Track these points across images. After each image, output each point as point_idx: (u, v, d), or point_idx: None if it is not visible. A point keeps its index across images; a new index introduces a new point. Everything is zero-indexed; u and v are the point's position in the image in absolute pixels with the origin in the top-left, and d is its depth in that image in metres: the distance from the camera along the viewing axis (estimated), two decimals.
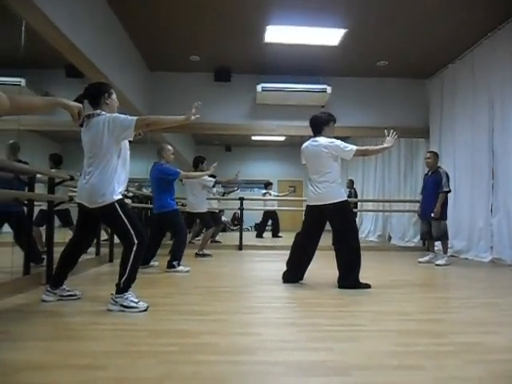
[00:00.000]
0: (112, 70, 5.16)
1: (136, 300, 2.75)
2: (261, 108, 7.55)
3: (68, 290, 3.07)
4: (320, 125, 3.92)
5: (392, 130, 3.83)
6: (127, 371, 1.72)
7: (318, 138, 3.88)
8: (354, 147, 3.78)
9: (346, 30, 5.71)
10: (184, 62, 6.93)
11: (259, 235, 10.33)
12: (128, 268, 2.75)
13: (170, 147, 4.92)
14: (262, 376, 1.70)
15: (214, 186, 6.05)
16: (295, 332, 2.33)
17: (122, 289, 2.74)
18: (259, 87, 7.07)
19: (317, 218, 3.90)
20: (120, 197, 2.84)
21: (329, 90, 7.14)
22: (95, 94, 2.90)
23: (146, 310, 2.72)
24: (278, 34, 5.87)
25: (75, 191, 4.28)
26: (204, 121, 7.35)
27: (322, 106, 7.46)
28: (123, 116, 2.78)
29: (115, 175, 2.81)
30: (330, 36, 5.92)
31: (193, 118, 2.87)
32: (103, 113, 2.82)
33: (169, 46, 6.38)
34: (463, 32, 5.77)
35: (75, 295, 3.07)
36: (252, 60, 6.92)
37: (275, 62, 6.90)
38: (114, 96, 2.98)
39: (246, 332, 2.32)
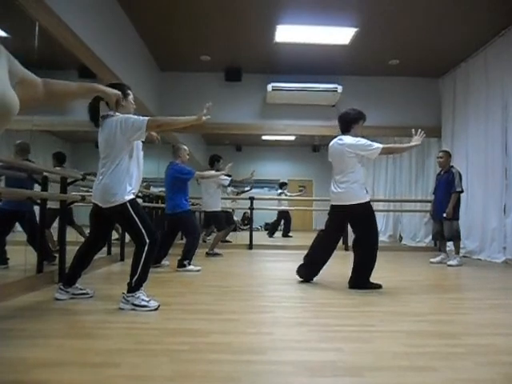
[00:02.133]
0: (123, 70, 5.20)
1: (147, 299, 2.78)
2: (271, 108, 7.55)
3: (80, 289, 3.11)
4: (349, 122, 3.81)
5: (420, 130, 3.77)
6: (140, 369, 1.74)
7: (343, 137, 3.79)
8: (380, 145, 3.68)
9: (357, 28, 5.68)
10: (195, 61, 6.97)
11: (271, 234, 10.34)
12: (140, 268, 2.78)
13: (185, 147, 4.95)
14: (272, 376, 1.70)
15: (229, 185, 6.07)
16: (306, 332, 2.34)
17: (134, 288, 2.77)
18: (269, 87, 7.07)
19: (338, 217, 3.86)
20: (132, 197, 2.86)
21: (340, 89, 7.11)
22: None
23: (157, 309, 2.74)
24: (288, 33, 5.86)
25: (85, 190, 4.34)
26: (214, 120, 7.33)
27: (333, 106, 7.45)
28: (135, 117, 2.81)
29: (127, 175, 2.84)
30: (340, 35, 5.90)
31: (204, 118, 2.88)
32: (117, 114, 2.85)
33: (179, 46, 6.41)
34: (476, 30, 5.70)
35: (87, 293, 3.11)
36: (262, 60, 6.93)
37: (286, 61, 6.89)
38: (130, 97, 2.99)
39: (257, 331, 2.33)
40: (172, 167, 4.82)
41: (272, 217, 13.67)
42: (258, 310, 2.87)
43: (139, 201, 4.98)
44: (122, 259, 5.31)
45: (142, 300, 2.76)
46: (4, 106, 1.12)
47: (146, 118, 2.80)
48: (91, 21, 4.41)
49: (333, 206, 3.87)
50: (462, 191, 5.46)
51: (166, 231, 4.95)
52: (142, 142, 2.98)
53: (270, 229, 10.66)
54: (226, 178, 5.95)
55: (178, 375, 1.68)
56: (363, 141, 3.72)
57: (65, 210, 3.70)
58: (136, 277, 2.78)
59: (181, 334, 2.24)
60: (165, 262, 4.87)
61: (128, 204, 2.81)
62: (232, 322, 2.50)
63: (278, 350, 2.01)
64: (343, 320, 2.60)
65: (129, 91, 3.00)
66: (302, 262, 3.96)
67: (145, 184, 7.29)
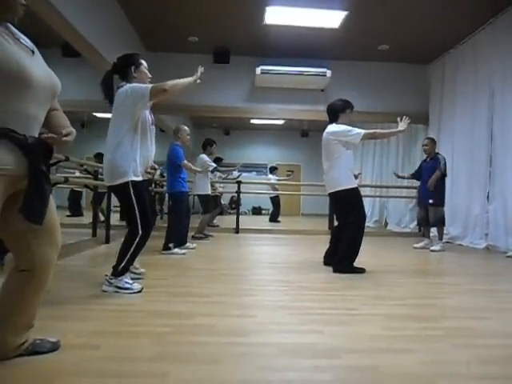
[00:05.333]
0: (108, 49, 5.08)
1: (130, 282, 2.77)
2: (260, 91, 7.48)
3: (136, 268, 3.18)
4: (336, 112, 3.90)
5: (405, 116, 3.82)
6: (121, 351, 1.75)
7: (329, 126, 3.91)
8: (362, 131, 3.75)
9: (347, 12, 5.62)
10: (182, 42, 6.85)
11: (275, 218, 10.42)
12: (127, 256, 2.76)
13: (186, 128, 4.91)
14: (254, 357, 1.72)
15: (212, 172, 6.05)
16: (288, 315, 2.36)
17: (118, 273, 2.75)
18: (258, 70, 7.00)
19: (332, 204, 4.04)
20: (137, 178, 2.73)
21: (329, 73, 7.07)
22: (122, 68, 2.83)
23: (140, 292, 2.74)
24: (277, 15, 5.78)
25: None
26: (202, 103, 7.35)
27: (322, 90, 7.43)
28: (140, 84, 2.70)
29: (132, 152, 2.70)
30: (330, 18, 5.83)
31: (198, 81, 2.82)
32: (123, 83, 2.75)
33: (166, 26, 6.29)
34: (465, 17, 5.68)
35: (140, 275, 3.18)
36: (251, 42, 6.83)
37: (275, 44, 6.81)
38: (143, 67, 2.87)
39: (241, 314, 2.35)
40: (171, 148, 4.82)
41: (259, 201, 13.75)
42: (243, 293, 2.89)
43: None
44: (108, 242, 5.28)
45: (126, 283, 2.75)
46: (56, 83, 1.57)
47: (150, 85, 2.68)
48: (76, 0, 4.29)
49: (328, 194, 4.00)
50: (445, 175, 5.52)
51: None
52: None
53: (272, 216, 10.65)
54: (212, 164, 5.99)
55: (159, 356, 1.69)
56: (344, 127, 3.80)
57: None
58: (123, 263, 2.76)
59: (164, 317, 2.25)
60: (190, 244, 5.03)
61: (130, 185, 2.69)
62: (216, 305, 2.52)
63: (261, 333, 2.04)
64: (325, 303, 2.64)
65: (141, 61, 2.88)
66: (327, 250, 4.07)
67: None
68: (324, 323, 2.20)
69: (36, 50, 1.54)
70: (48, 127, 1.60)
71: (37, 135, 1.50)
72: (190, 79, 2.78)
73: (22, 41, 1.49)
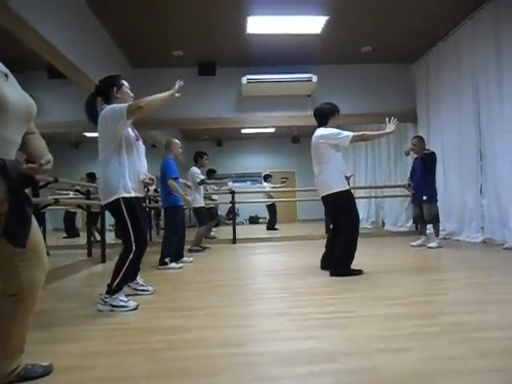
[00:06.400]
0: (93, 69, 5.10)
1: (125, 299, 2.75)
2: (247, 100, 7.52)
3: (142, 284, 3.19)
4: (325, 116, 3.93)
5: (393, 117, 3.84)
6: (115, 370, 1.72)
7: (317, 130, 3.94)
8: (350, 133, 3.77)
9: (328, 17, 5.68)
10: (167, 57, 6.89)
11: (272, 226, 10.39)
12: (122, 273, 2.75)
13: (177, 141, 4.94)
14: (250, 367, 1.71)
15: (200, 184, 6.03)
16: (285, 322, 2.34)
17: (113, 291, 2.74)
18: (244, 79, 7.03)
19: (325, 208, 4.07)
20: (128, 195, 2.74)
21: (314, 78, 7.11)
22: (104, 89, 2.86)
23: (135, 309, 2.72)
24: (259, 24, 5.83)
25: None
26: (190, 116, 7.37)
27: (309, 96, 7.47)
28: (117, 105, 2.73)
29: (120, 169, 2.74)
30: (311, 24, 5.89)
31: (177, 95, 2.82)
32: (104, 106, 2.79)
33: (150, 42, 6.33)
34: (446, 14, 5.75)
35: (148, 290, 3.19)
36: (236, 52, 6.88)
37: (259, 53, 6.86)
38: (125, 88, 2.89)
39: (237, 325, 2.33)
40: (164, 161, 4.81)
41: (255, 210, 13.74)
42: (239, 303, 2.87)
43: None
44: (104, 261, 5.25)
45: (121, 301, 2.73)
46: (31, 106, 1.57)
47: (127, 104, 2.71)
48: (58, 21, 4.31)
49: (321, 198, 3.99)
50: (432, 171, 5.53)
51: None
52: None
53: (269, 224, 10.62)
54: (200, 176, 5.99)
55: (153, 374, 1.67)
56: (332, 130, 3.82)
57: (38, 213, 3.62)
58: (117, 281, 2.75)
59: (159, 332, 2.23)
60: (187, 258, 5.01)
61: (122, 202, 2.71)
62: (212, 317, 2.50)
63: (255, 342, 2.02)
64: (322, 308, 2.62)
65: (122, 81, 2.90)
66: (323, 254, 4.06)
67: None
68: (321, 328, 2.19)
69: (10, 74, 1.54)
70: (25, 151, 1.59)
71: (13, 158, 1.49)
72: (166, 94, 2.79)
73: None
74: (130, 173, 2.80)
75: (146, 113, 2.75)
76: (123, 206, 2.72)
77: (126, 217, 2.73)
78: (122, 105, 2.71)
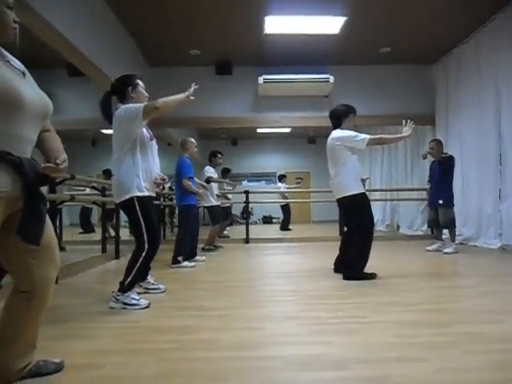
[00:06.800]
0: (112, 67, 5.14)
1: (137, 297, 2.77)
2: (264, 100, 7.50)
3: (153, 284, 3.21)
4: (339, 118, 3.90)
5: (409, 120, 3.79)
6: (124, 370, 1.73)
7: (333, 132, 3.90)
8: (367, 136, 3.72)
9: (346, 17, 5.62)
10: (184, 56, 6.90)
11: (285, 227, 10.36)
12: (134, 271, 2.77)
13: (193, 140, 4.95)
14: (258, 372, 1.69)
15: (208, 183, 6.04)
16: (296, 326, 2.32)
17: (125, 289, 2.75)
18: (261, 79, 7.01)
19: (340, 210, 4.02)
20: (142, 194, 2.77)
21: (332, 79, 7.05)
22: (120, 89, 2.88)
23: (147, 307, 2.73)
24: (277, 24, 5.80)
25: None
26: (207, 114, 7.38)
27: (326, 96, 7.41)
28: (133, 105, 2.75)
29: (134, 169, 2.76)
30: (329, 24, 5.83)
31: (191, 98, 2.82)
32: (119, 105, 2.82)
33: (168, 40, 6.35)
34: (467, 15, 5.63)
35: (159, 288, 3.21)
36: (253, 52, 6.86)
37: (276, 53, 6.83)
38: (140, 87, 2.90)
39: (248, 327, 2.32)
40: (179, 160, 4.83)
41: (269, 210, 13.73)
42: (250, 304, 2.85)
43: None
44: (117, 257, 5.29)
45: (133, 299, 2.74)
46: (48, 104, 1.58)
47: (143, 104, 2.73)
48: (76, 19, 4.35)
49: (336, 200, 3.96)
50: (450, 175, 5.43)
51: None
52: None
53: (282, 225, 10.60)
54: (207, 174, 6.04)
55: (162, 374, 1.67)
56: (349, 132, 3.77)
57: (54, 209, 3.67)
58: (129, 279, 2.76)
59: (170, 332, 2.23)
60: (199, 257, 5.03)
61: (135, 200, 2.74)
62: (223, 318, 2.49)
63: (266, 346, 2.00)
64: (334, 312, 2.59)
65: (138, 81, 2.91)
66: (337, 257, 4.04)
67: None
68: (333, 333, 2.16)
69: (27, 72, 1.55)
70: (41, 149, 1.60)
71: (29, 156, 1.50)
72: (181, 96, 2.80)
73: (12, 63, 1.50)
74: (144, 172, 2.82)
75: (161, 113, 2.76)
76: (137, 205, 2.75)
77: (140, 216, 2.75)
78: (138, 105, 2.71)
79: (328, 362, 1.78)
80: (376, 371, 1.67)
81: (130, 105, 2.76)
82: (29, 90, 1.49)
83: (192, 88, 2.85)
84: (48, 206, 3.70)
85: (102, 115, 2.85)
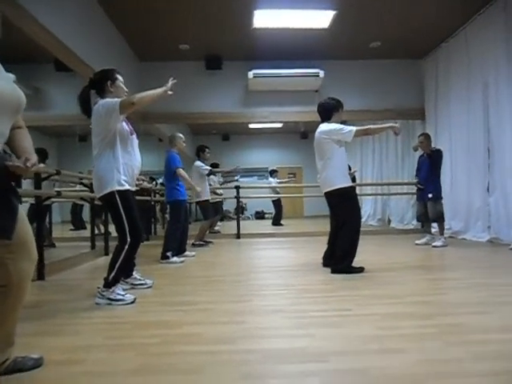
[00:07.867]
0: (99, 62, 5.08)
1: (123, 293, 2.75)
2: (254, 95, 7.47)
3: (139, 279, 3.21)
4: (329, 111, 3.88)
5: (395, 121, 3.82)
6: (104, 365, 1.71)
7: (320, 125, 3.90)
8: (354, 128, 3.74)
9: (336, 11, 5.60)
10: (173, 51, 6.85)
11: (277, 222, 10.35)
12: (118, 265, 2.76)
13: (181, 135, 4.94)
14: (238, 365, 1.68)
15: (208, 175, 6.06)
16: (280, 319, 2.32)
17: (110, 284, 2.74)
18: (250, 74, 6.98)
19: (328, 204, 3.99)
20: (122, 188, 2.76)
21: (321, 74, 7.04)
22: (98, 83, 2.85)
23: (133, 303, 2.72)
24: (266, 18, 5.78)
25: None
26: (197, 110, 7.34)
27: (316, 91, 7.39)
28: (110, 100, 2.73)
29: (114, 163, 2.74)
30: (319, 18, 5.81)
31: (169, 92, 2.79)
32: (98, 99, 2.79)
33: (157, 35, 6.30)
34: (456, 9, 5.64)
35: (146, 284, 3.20)
36: (242, 46, 6.82)
37: (266, 47, 6.80)
38: (119, 82, 2.87)
39: (231, 321, 2.31)
40: (167, 155, 4.82)
41: (262, 205, 13.72)
42: (235, 299, 2.84)
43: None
44: (107, 253, 5.26)
45: (118, 294, 2.73)
46: (21, 97, 1.54)
47: (120, 99, 2.71)
48: (63, 13, 4.30)
49: (324, 194, 3.96)
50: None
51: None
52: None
53: (274, 220, 10.60)
54: (206, 167, 5.97)
55: (141, 369, 1.66)
56: (336, 125, 3.77)
57: (40, 205, 3.64)
58: (113, 274, 2.75)
59: (152, 327, 2.22)
60: (189, 252, 5.02)
61: (116, 194, 2.73)
62: (206, 312, 2.48)
63: (248, 339, 2.00)
64: (320, 305, 2.59)
65: (117, 75, 2.88)
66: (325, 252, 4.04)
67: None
68: (316, 326, 2.16)
69: (0, 66, 1.52)
70: (11, 146, 1.58)
71: (1, 149, 1.48)
72: (159, 90, 2.78)
73: None
74: (124, 166, 2.81)
75: (138, 108, 2.75)
76: (118, 199, 2.74)
77: (121, 209, 2.74)
78: (115, 100, 2.70)
79: (308, 354, 1.77)
80: (354, 363, 1.67)
81: (108, 99, 2.74)
82: (2, 83, 1.46)
83: (170, 83, 2.82)
84: (34, 203, 3.66)
85: (81, 109, 2.82)
